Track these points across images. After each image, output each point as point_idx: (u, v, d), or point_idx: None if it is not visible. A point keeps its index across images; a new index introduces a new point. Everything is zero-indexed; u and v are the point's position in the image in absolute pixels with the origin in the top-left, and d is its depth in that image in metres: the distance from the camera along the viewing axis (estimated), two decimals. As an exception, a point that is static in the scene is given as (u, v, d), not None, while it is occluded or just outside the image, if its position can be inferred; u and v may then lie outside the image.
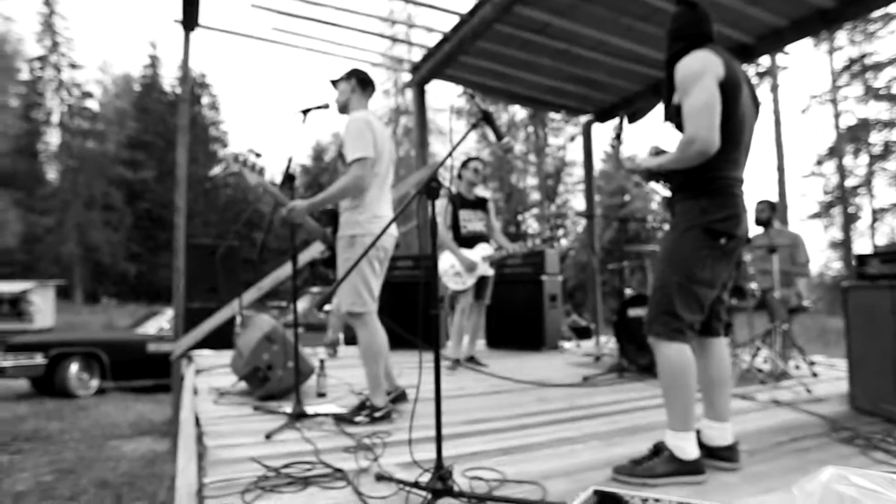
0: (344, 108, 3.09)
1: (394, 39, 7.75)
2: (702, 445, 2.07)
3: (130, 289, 36.45)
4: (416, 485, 1.79)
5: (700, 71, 1.95)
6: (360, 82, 3.09)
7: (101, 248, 33.99)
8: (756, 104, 2.17)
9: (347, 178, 2.80)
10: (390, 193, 3.12)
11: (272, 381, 3.33)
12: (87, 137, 36.43)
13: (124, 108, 40.77)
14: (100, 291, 34.55)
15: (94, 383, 8.02)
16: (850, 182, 27.31)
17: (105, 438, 5.70)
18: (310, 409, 2.95)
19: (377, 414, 2.84)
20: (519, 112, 33.48)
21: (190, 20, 5.37)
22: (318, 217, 5.49)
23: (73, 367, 7.80)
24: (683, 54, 2.03)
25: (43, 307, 14.62)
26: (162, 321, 8.87)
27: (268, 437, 2.52)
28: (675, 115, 2.06)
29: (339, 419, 2.82)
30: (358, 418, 2.81)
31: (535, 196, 35.41)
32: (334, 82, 3.14)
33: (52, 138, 37.12)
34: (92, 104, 38.15)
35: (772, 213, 5.00)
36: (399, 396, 3.15)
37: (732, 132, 2.00)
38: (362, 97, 3.10)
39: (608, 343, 6.34)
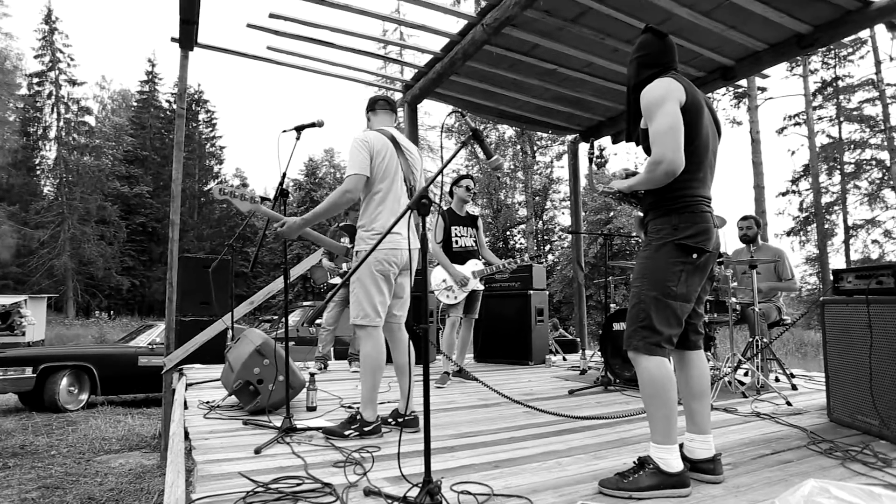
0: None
1: (386, 59, 7.82)
2: (685, 458, 2.11)
3: (124, 302, 36.32)
4: (404, 499, 1.80)
5: (663, 97, 2.04)
6: (369, 105, 3.23)
7: (94, 262, 33.88)
8: (717, 127, 2.26)
9: (336, 191, 2.85)
10: (399, 206, 3.04)
11: (262, 396, 3.34)
12: (83, 152, 36.50)
13: (121, 124, 40.91)
14: (92, 305, 34.36)
15: (84, 397, 7.97)
16: (824, 200, 28.01)
17: (93, 453, 5.66)
18: (300, 424, 2.96)
19: (367, 428, 2.84)
20: (507, 131, 33.94)
21: (187, 40, 5.45)
22: (340, 235, 5.54)
23: (63, 381, 7.76)
24: (648, 82, 2.12)
25: (34, 320, 14.53)
26: (154, 334, 8.85)
27: (257, 451, 2.53)
28: (643, 139, 2.15)
29: (328, 433, 2.84)
30: (347, 432, 2.82)
31: (523, 212, 35.79)
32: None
33: (49, 153, 37.18)
34: (89, 119, 38.30)
35: (757, 229, 5.09)
36: (411, 421, 2.99)
37: (697, 153, 2.09)
38: (376, 117, 3.20)
39: (594, 356, 6.39)
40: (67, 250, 33.27)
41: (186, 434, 2.94)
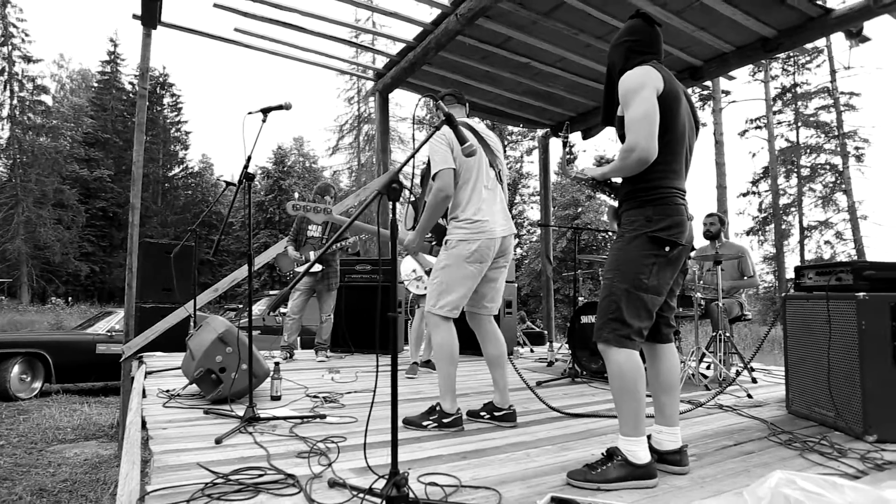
0: None
1: (359, 46, 7.70)
2: (652, 450, 2.12)
3: (82, 289, 35.15)
4: (370, 491, 1.77)
5: (640, 84, 2.04)
6: (443, 99, 3.15)
7: (51, 247, 32.60)
8: (696, 121, 2.27)
9: (431, 194, 2.78)
10: (497, 196, 2.99)
11: (224, 384, 3.25)
12: (39, 132, 34.96)
13: (81, 105, 39.36)
14: (49, 291, 33.12)
15: (37, 385, 7.69)
16: (782, 201, 29.15)
17: (46, 443, 5.46)
18: (263, 413, 2.89)
19: (446, 420, 2.78)
20: (478, 124, 34.03)
21: (150, 17, 5.24)
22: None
23: (14, 369, 7.46)
24: (631, 69, 2.11)
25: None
26: (113, 321, 8.59)
27: (218, 441, 2.45)
28: (618, 127, 2.14)
29: (407, 423, 2.80)
30: (426, 423, 2.78)
31: (492, 206, 35.94)
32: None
33: (2, 132, 35.54)
34: (46, 99, 36.67)
35: (721, 226, 5.20)
36: (509, 415, 2.95)
37: (672, 143, 2.08)
38: (450, 108, 3.14)
39: (561, 349, 6.46)
40: (21, 234, 31.94)
41: (144, 423, 2.84)
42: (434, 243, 3.11)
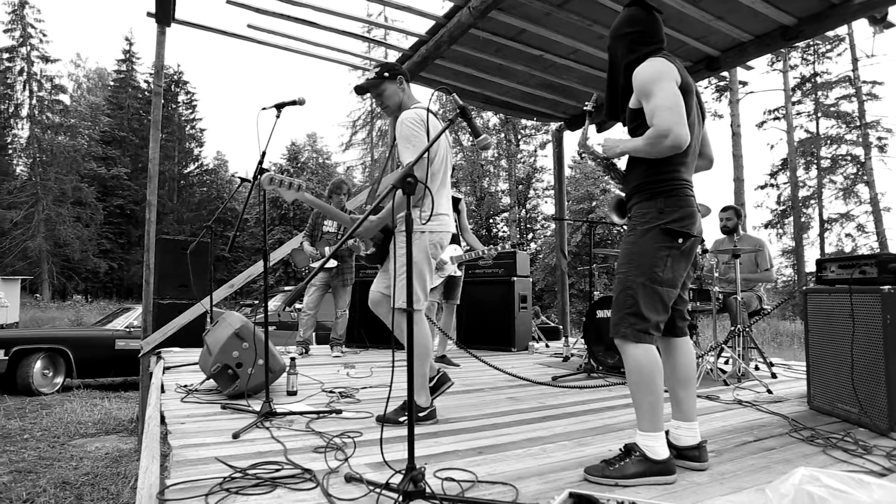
0: (398, 109, 2.96)
1: (371, 41, 7.68)
2: (670, 445, 2.09)
3: (101, 285, 35.73)
4: (387, 486, 1.76)
5: (659, 76, 2.01)
6: (406, 76, 2.98)
7: (70, 244, 33.14)
8: (702, 113, 2.24)
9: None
10: (449, 189, 3.03)
11: (241, 379, 3.27)
12: (58, 131, 35.49)
13: (98, 103, 39.86)
14: (69, 288, 33.69)
15: (59, 380, 7.82)
16: (801, 193, 28.64)
17: (68, 437, 5.55)
18: (280, 408, 2.91)
19: (420, 414, 2.79)
20: (492, 118, 33.93)
21: (164, 15, 5.27)
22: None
23: (37, 364, 7.60)
24: (642, 60, 2.08)
25: (7, 303, 14.24)
26: (131, 317, 8.71)
27: (235, 436, 2.47)
28: (631, 119, 2.11)
29: (380, 421, 2.77)
30: (402, 418, 2.77)
31: (506, 200, 35.90)
32: (367, 88, 3.01)
33: (22, 131, 36.11)
34: (64, 98, 37.22)
35: (738, 219, 5.12)
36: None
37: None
38: (410, 89, 3.01)
39: (576, 344, 6.41)
40: (42, 232, 32.50)
41: (163, 418, 2.87)
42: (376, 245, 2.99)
